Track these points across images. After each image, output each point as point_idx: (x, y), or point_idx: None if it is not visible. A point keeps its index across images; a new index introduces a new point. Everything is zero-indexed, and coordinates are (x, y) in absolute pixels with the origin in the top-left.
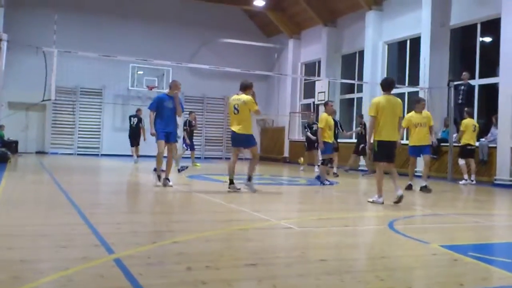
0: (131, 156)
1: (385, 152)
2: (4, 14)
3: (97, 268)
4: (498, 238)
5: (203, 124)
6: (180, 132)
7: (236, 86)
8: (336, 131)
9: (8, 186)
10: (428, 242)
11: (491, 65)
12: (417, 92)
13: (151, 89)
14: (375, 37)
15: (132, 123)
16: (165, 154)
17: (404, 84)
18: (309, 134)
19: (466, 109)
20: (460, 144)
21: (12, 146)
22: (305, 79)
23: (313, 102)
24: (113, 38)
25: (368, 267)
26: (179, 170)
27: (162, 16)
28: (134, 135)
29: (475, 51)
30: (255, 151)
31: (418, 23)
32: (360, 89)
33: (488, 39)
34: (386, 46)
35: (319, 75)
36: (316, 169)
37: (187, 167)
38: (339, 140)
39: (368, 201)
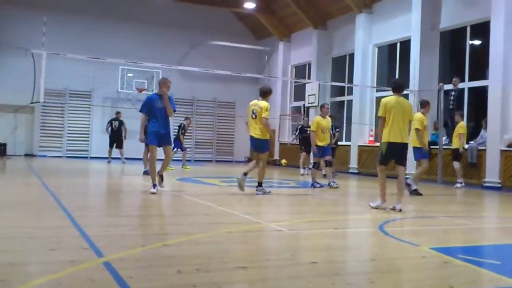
0: (118, 158)
1: (393, 154)
2: None
3: (86, 271)
4: (488, 240)
5: (193, 126)
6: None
7: (227, 88)
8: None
9: None
10: (418, 244)
11: (480, 68)
12: (407, 95)
13: (140, 92)
14: (365, 40)
15: (114, 126)
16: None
17: None
18: (305, 135)
19: (459, 111)
20: (453, 147)
21: (0, 148)
22: (295, 82)
23: (303, 105)
24: (102, 40)
25: (358, 270)
26: (145, 172)
27: (152, 18)
28: (118, 138)
29: (465, 54)
30: (264, 157)
31: (408, 26)
32: (350, 92)
33: (477, 42)
34: (376, 49)
35: (309, 78)
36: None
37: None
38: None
39: (371, 206)
